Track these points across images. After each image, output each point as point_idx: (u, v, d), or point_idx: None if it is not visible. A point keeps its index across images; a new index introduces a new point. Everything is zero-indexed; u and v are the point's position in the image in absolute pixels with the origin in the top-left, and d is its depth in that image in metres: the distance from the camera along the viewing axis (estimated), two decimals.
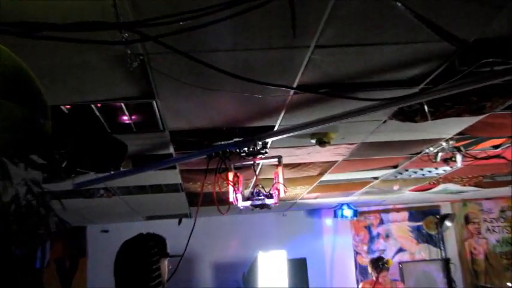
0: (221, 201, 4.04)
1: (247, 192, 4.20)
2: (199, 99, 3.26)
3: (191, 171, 5.56)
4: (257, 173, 5.43)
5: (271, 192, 3.95)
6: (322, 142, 4.25)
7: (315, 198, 8.70)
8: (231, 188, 4.03)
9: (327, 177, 6.67)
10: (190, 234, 3.64)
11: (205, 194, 4.88)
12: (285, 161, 5.07)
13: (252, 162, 4.16)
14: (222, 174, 4.02)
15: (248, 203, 3.98)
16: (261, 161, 4.34)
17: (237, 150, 3.97)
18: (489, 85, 2.86)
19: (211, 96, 3.19)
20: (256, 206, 3.97)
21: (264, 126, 3.93)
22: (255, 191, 4.03)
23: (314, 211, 10.79)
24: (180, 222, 9.88)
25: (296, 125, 3.73)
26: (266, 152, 4.05)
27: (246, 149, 3.97)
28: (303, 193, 8.04)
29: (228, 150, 3.97)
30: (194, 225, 3.71)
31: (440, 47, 2.68)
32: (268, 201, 3.94)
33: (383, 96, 3.19)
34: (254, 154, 3.99)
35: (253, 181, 6.05)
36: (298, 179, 6.63)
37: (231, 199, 4.01)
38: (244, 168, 4.54)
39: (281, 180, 3.91)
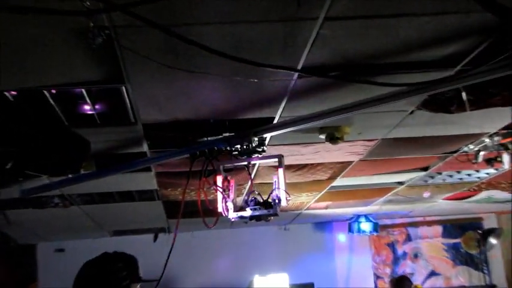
0: (208, 211, 4.04)
1: (240, 200, 4.19)
2: (180, 84, 3.30)
3: (170, 175, 5.56)
4: (252, 176, 5.46)
5: (269, 200, 3.89)
6: (333, 138, 4.30)
7: (325, 208, 8.74)
8: (219, 196, 3.97)
9: (339, 182, 6.71)
10: (169, 253, 3.64)
11: (187, 203, 4.94)
12: (287, 161, 5.12)
13: (246, 163, 4.13)
14: (209, 178, 4.02)
15: (241, 214, 3.93)
16: (257, 162, 4.36)
17: (228, 148, 3.98)
18: None
19: (195, 80, 3.22)
20: (251, 218, 3.90)
21: (261, 118, 3.98)
22: (249, 199, 3.96)
23: (324, 224, 10.90)
24: (155, 238, 9.98)
25: (301, 116, 3.76)
26: (264, 151, 4.05)
27: (238, 146, 3.97)
28: (309, 202, 8.07)
29: (216, 148, 3.99)
30: (174, 242, 3.72)
31: (482, 19, 2.72)
32: (266, 212, 3.88)
33: (409, 81, 3.21)
34: (249, 153, 4.01)
35: (248, 187, 6.07)
36: (303, 184, 6.64)
37: (219, 209, 3.95)
38: (237, 170, 4.55)
39: (282, 185, 3.86)
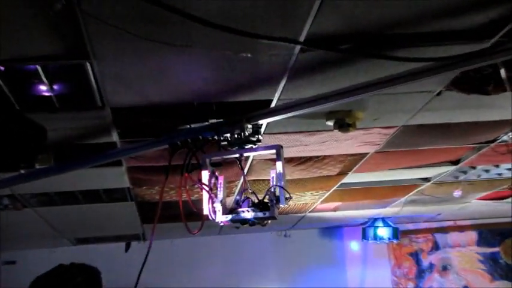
0: (191, 215, 4.06)
1: (230, 201, 4.32)
2: (158, 60, 3.30)
3: (145, 170, 5.62)
4: (245, 172, 5.48)
5: (266, 200, 3.89)
6: (343, 125, 4.32)
7: (334, 210, 8.81)
8: (205, 195, 3.97)
9: (351, 178, 6.76)
10: (143, 265, 3.66)
11: (166, 204, 5.08)
12: (288, 153, 5.25)
13: (237, 156, 4.13)
14: (193, 173, 4.01)
15: (232, 217, 3.94)
16: (251, 154, 4.46)
17: (215, 138, 4.01)
18: None
19: (176, 55, 3.22)
20: (243, 222, 3.91)
21: (256, 101, 4.01)
22: (242, 199, 3.98)
23: (332, 230, 10.94)
24: (128, 247, 10.04)
25: (304, 99, 3.78)
26: (259, 140, 4.07)
27: (228, 135, 4.00)
28: (315, 202, 8.12)
29: (201, 137, 4.02)
30: (149, 251, 3.74)
31: None
32: (261, 215, 3.87)
33: (437, 55, 3.21)
34: (241, 143, 4.03)
35: (240, 184, 6.12)
36: (307, 180, 6.70)
37: (205, 211, 3.95)
38: (226, 164, 4.57)
39: (282, 182, 3.85)
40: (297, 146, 5.25)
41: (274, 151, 3.96)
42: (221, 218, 3.96)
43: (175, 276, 10.13)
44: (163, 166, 4.28)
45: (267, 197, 3.89)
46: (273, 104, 4.07)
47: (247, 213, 3.88)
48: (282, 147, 3.96)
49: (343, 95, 3.63)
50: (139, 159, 5.16)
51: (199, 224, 4.02)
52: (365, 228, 10.33)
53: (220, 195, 4.00)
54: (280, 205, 3.87)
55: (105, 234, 9.13)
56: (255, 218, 3.89)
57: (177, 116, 4.11)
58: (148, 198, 6.82)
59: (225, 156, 4.15)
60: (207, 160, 4.03)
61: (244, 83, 3.73)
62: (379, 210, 9.20)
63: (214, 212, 3.96)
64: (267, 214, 3.87)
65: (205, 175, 3.99)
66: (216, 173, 4.07)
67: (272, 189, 3.88)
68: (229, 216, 3.94)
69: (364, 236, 10.33)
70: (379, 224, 10.19)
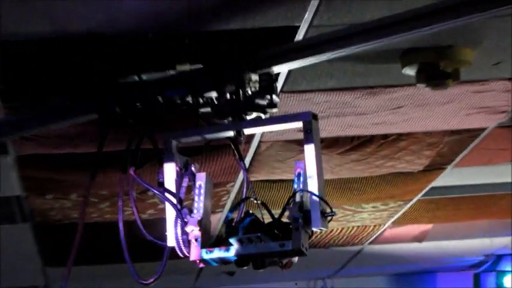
0: (144, 249, 3.45)
1: (217, 220, 3.93)
2: None
3: (51, 162, 4.72)
4: (247, 164, 4.87)
5: (285, 219, 2.98)
6: (436, 75, 3.56)
7: (418, 239, 7.51)
8: (170, 211, 3.12)
9: (450, 178, 5.69)
10: None
11: (92, 228, 4.70)
12: (329, 129, 4.58)
13: (231, 135, 3.20)
14: (145, 169, 3.26)
15: (221, 255, 3.04)
16: (257, 130, 3.61)
17: (189, 100, 3.17)
18: None
19: None
20: (240, 262, 2.96)
21: (266, 29, 3.24)
22: (239, 216, 3.09)
23: (414, 278, 9.40)
24: None
25: (358, 25, 3.00)
26: (273, 105, 3.15)
27: (213, 95, 3.12)
28: (381, 225, 6.91)
29: (161, 98, 3.19)
30: None
31: None
32: (277, 248, 2.92)
33: None
34: (238, 111, 3.16)
35: (237, 189, 5.41)
36: (367, 182, 5.67)
37: (170, 241, 3.09)
38: (212, 151, 4.22)
39: (316, 184, 2.96)
40: (346, 115, 4.37)
41: (299, 125, 3.03)
42: (200, 255, 3.05)
43: None
44: (87, 155, 3.76)
45: (288, 212, 2.94)
46: (299, 37, 3.26)
47: (250, 245, 2.98)
48: (316, 117, 3.03)
49: (435, 19, 2.79)
50: (41, 141, 4.23)
51: (157, 266, 3.16)
52: (479, 274, 8.73)
53: (199, 210, 3.13)
54: (314, 229, 2.93)
55: None
56: (264, 252, 2.96)
57: (114, 59, 3.33)
58: (56, 216, 5.57)
59: (207, 136, 3.29)
60: (174, 143, 3.21)
61: None
62: (507, 239, 7.70)
63: (187, 243, 3.07)
64: (287, 246, 2.91)
65: (169, 172, 3.17)
66: (192, 168, 3.23)
67: (297, 199, 2.95)
68: (215, 252, 3.03)
69: None
70: (508, 265, 8.46)
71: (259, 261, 2.94)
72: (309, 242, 2.93)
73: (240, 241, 2.94)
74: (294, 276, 8.21)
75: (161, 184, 3.12)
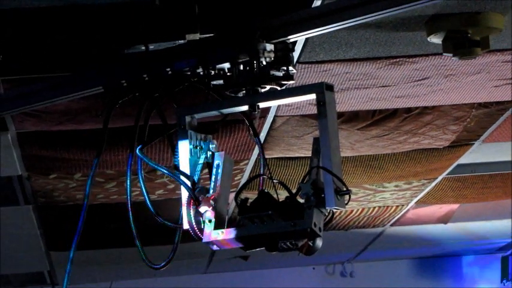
0: (153, 232, 3.53)
1: (232, 201, 3.55)
2: None
3: (54, 140, 4.69)
4: (262, 140, 4.85)
5: (299, 198, 2.95)
6: (463, 44, 3.57)
7: (443, 220, 7.37)
8: (184, 193, 3.03)
9: (478, 154, 5.66)
10: None
11: (98, 209, 4.63)
12: (347, 102, 4.51)
13: (246, 109, 3.13)
14: (155, 144, 3.49)
15: (233, 235, 2.96)
16: (273, 104, 3.72)
17: (200, 72, 3.10)
18: None
19: None
20: (252, 244, 2.99)
21: None
22: (252, 198, 3.00)
23: (438, 262, 9.13)
24: None
25: None
26: (290, 76, 3.09)
27: (226, 67, 3.07)
28: (404, 205, 6.79)
29: (170, 70, 3.13)
30: None
31: None
32: (288, 227, 2.90)
33: None
34: (253, 82, 3.08)
35: (251, 166, 5.36)
36: (389, 159, 5.59)
37: (185, 224, 3.02)
38: (224, 127, 4.24)
39: (330, 161, 2.89)
40: (367, 88, 4.33)
41: (314, 97, 2.97)
42: (212, 236, 3.00)
43: None
44: (92, 132, 3.77)
45: (303, 191, 2.91)
46: (317, 2, 3.31)
47: (263, 225, 2.95)
48: (331, 88, 2.94)
49: None
50: (43, 117, 4.25)
51: (167, 250, 3.17)
52: (507, 257, 8.67)
53: (216, 190, 3.08)
54: (328, 208, 2.87)
55: None
56: (274, 233, 2.94)
57: (120, 28, 3.32)
58: (59, 197, 5.53)
59: (222, 111, 3.21)
60: (186, 118, 3.13)
61: None
62: None
63: (199, 226, 3.02)
64: (299, 225, 2.89)
65: (183, 150, 3.10)
66: (211, 145, 3.19)
67: (312, 176, 2.90)
68: (227, 233, 2.95)
69: (506, 274, 8.57)
70: None
71: (271, 243, 2.90)
72: (327, 223, 2.90)
73: (250, 219, 2.90)
74: (311, 260, 8.04)
75: (177, 167, 3.08)
